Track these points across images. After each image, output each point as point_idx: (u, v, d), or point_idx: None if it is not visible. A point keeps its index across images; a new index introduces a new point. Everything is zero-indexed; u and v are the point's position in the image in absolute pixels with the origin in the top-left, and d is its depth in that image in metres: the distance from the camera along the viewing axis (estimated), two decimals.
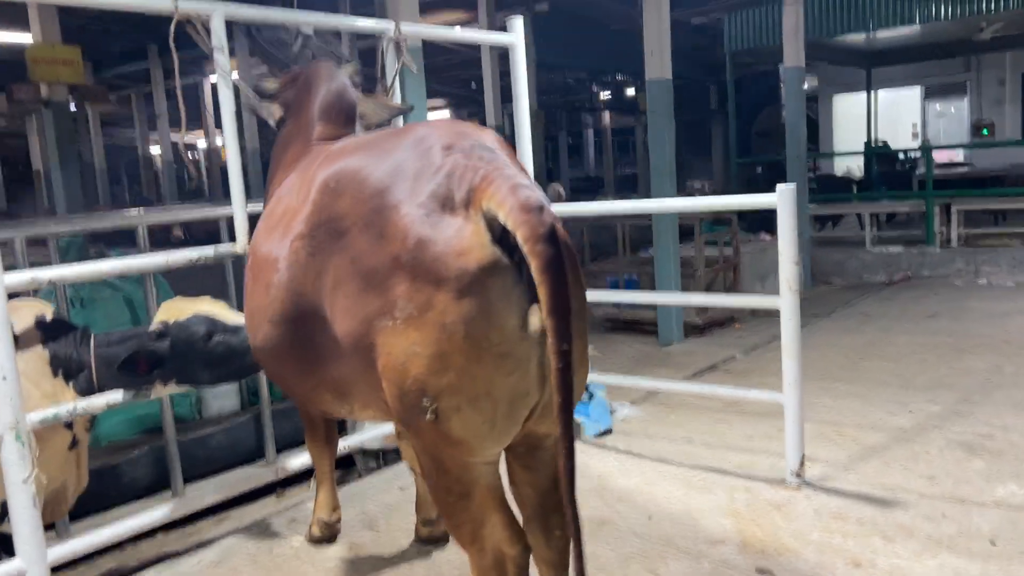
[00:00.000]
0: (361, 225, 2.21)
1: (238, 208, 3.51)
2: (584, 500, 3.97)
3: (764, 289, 9.40)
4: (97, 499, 4.15)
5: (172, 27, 3.32)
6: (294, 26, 4.20)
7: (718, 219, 12.53)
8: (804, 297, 9.67)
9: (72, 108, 17.44)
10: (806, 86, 20.85)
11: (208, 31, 3.40)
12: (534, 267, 1.97)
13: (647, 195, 13.42)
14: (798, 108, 10.12)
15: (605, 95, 21.45)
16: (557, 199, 17.53)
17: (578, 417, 5.21)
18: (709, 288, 8.97)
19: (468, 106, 22.84)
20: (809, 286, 10.28)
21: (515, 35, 4.74)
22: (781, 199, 4.04)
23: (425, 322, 2.07)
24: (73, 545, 3.09)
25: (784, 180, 10.14)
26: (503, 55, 14.48)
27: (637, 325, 8.59)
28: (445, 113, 25.59)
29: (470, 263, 2.04)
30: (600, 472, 4.33)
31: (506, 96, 16.78)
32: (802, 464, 4.15)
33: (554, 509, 2.51)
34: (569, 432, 2.04)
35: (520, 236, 1.99)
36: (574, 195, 24.37)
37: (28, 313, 3.14)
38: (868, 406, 5.50)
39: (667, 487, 4.15)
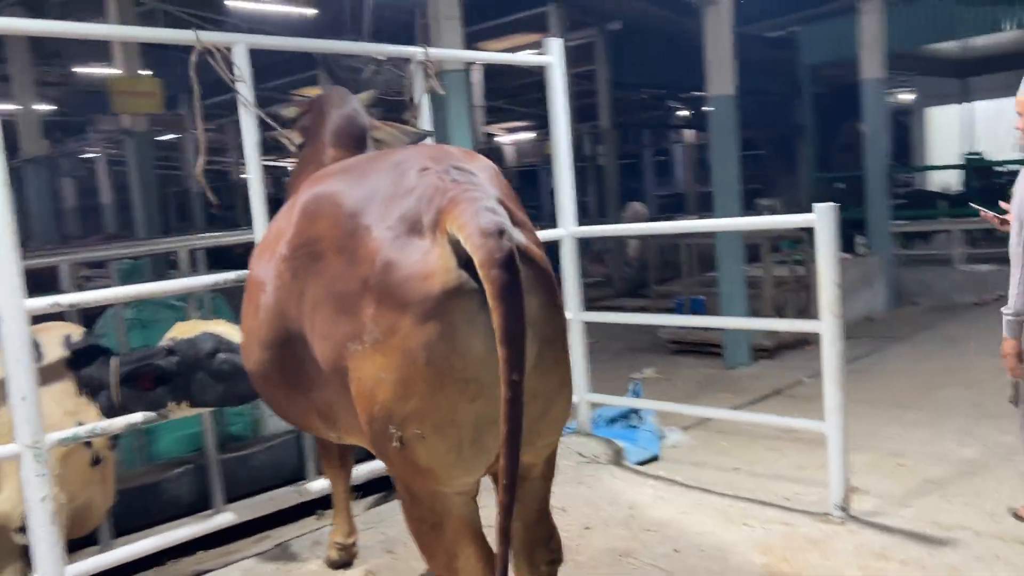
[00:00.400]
0: (335, 248, 2.20)
1: (259, 233, 3.57)
2: (610, 530, 3.87)
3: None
4: (141, 515, 4.28)
5: (194, 58, 3.42)
6: (326, 53, 4.28)
7: (800, 237, 12.07)
8: (884, 319, 9.36)
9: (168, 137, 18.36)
10: (911, 97, 20.11)
11: (228, 62, 3.47)
12: (488, 293, 1.92)
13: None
14: (878, 121, 9.71)
15: (684, 112, 21.14)
16: (636, 218, 17.40)
17: (623, 443, 5.08)
18: (781, 309, 8.68)
19: (549, 126, 22.91)
20: (891, 307, 9.80)
21: (552, 57, 4.71)
22: (820, 218, 3.87)
23: (390, 347, 2.04)
24: (92, 563, 3.18)
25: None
26: (576, 76, 14.46)
27: (704, 347, 8.36)
28: (530, 135, 25.70)
29: (433, 287, 2.01)
30: (632, 501, 4.20)
31: (582, 115, 16.75)
32: (847, 497, 3.92)
33: (540, 542, 2.44)
34: (512, 465, 1.97)
35: (476, 261, 1.95)
36: (660, 213, 24.08)
37: (56, 334, 3.26)
38: (936, 436, 5.19)
39: (701, 518, 3.98)
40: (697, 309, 8.97)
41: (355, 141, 3.17)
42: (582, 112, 16.07)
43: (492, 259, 1.92)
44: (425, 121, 4.13)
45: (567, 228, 4.84)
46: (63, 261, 3.92)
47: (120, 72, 8.62)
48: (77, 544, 3.85)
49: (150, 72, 9.11)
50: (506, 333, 1.92)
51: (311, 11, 11.88)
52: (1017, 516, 3.86)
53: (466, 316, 2.01)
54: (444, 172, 2.16)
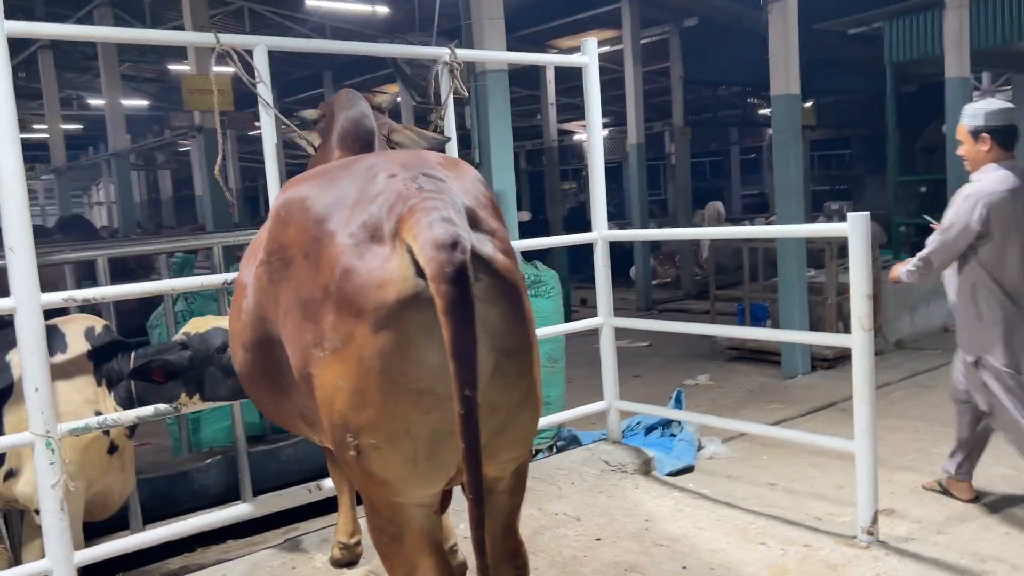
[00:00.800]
0: (303, 254, 2.21)
1: None
2: (621, 542, 3.79)
3: (912, 322, 8.61)
4: (172, 503, 4.42)
5: (212, 60, 3.48)
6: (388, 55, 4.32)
7: (882, 244, 11.53)
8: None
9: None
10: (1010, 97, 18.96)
11: (245, 64, 3.52)
12: (438, 307, 1.89)
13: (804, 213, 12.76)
14: None
15: (766, 111, 20.54)
16: (717, 219, 17.00)
17: (656, 452, 4.97)
18: (847, 318, 8.33)
19: (587, 127, 22.61)
20: None
21: (588, 57, 4.63)
22: (853, 228, 3.68)
23: (347, 355, 2.03)
24: (98, 550, 3.28)
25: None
26: (647, 75, 14.21)
27: (762, 355, 8.12)
28: (605, 132, 25.39)
29: (388, 296, 1.99)
30: (650, 513, 4.10)
31: (654, 114, 16.46)
32: (875, 521, 3.74)
33: (505, 558, 2.41)
34: (475, 479, 1.95)
35: (427, 274, 1.92)
36: (744, 212, 23.48)
37: (80, 325, 3.41)
38: (992, 459, 4.85)
39: (717, 535, 3.86)
40: (759, 316, 8.72)
41: (361, 144, 3.17)
42: (655, 109, 15.83)
43: (442, 273, 1.89)
44: (451, 121, 4.11)
45: (599, 231, 4.75)
46: (100, 256, 4.06)
47: (191, 70, 8.93)
48: (107, 528, 4.02)
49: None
50: (455, 348, 1.89)
51: (383, 10, 12.02)
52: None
53: (421, 327, 1.99)
54: (411, 179, 2.14)
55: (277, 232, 2.33)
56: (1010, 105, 3.97)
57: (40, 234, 9.95)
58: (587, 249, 4.82)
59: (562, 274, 11.51)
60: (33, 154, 19.13)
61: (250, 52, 3.56)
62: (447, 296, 1.89)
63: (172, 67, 16.46)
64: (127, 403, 3.39)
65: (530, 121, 21.01)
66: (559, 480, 4.41)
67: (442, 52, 4.08)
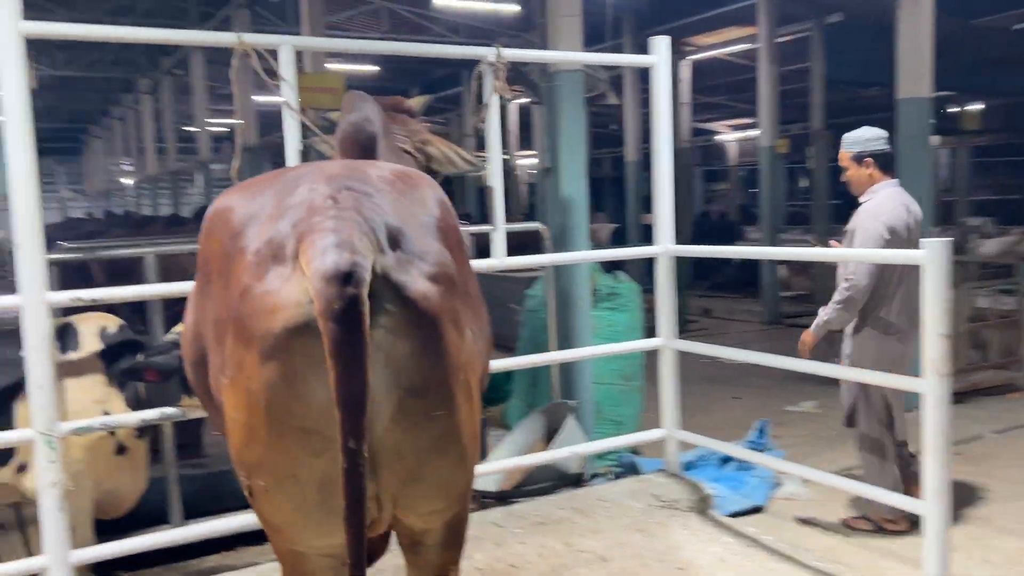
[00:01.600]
0: (218, 271, 2.05)
1: None
2: None
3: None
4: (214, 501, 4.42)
5: (235, 61, 3.41)
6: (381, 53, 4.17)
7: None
8: None
9: None
10: None
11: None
12: (324, 347, 1.69)
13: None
14: None
15: None
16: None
17: (722, 488, 4.55)
18: (984, 347, 7.46)
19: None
20: None
21: (657, 56, 4.27)
22: (929, 256, 3.16)
23: (239, 385, 1.87)
24: (98, 550, 3.27)
25: None
26: (788, 75, 13.32)
27: None
28: (750, 133, 24.30)
29: (277, 323, 1.80)
30: (689, 560, 3.71)
31: (798, 115, 15.45)
32: None
33: None
34: (353, 542, 1.76)
35: (315, 309, 1.72)
36: None
37: (94, 324, 3.44)
38: None
39: None
40: None
41: (360, 149, 2.97)
42: (793, 110, 14.91)
43: (329, 309, 1.69)
44: (494, 127, 3.88)
45: (663, 245, 4.36)
46: (92, 259, 4.09)
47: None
48: (148, 522, 4.06)
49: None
50: (339, 394, 1.68)
51: (509, 8, 11.91)
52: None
53: (310, 360, 1.78)
54: (331, 192, 1.92)
55: (204, 244, 2.19)
56: (885, 132, 4.21)
57: (146, 223, 10.46)
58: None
59: (683, 282, 10.97)
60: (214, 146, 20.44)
61: (274, 53, 3.47)
62: (333, 335, 1.68)
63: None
64: (136, 404, 3.39)
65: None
66: (598, 513, 4.08)
67: (487, 52, 3.86)
